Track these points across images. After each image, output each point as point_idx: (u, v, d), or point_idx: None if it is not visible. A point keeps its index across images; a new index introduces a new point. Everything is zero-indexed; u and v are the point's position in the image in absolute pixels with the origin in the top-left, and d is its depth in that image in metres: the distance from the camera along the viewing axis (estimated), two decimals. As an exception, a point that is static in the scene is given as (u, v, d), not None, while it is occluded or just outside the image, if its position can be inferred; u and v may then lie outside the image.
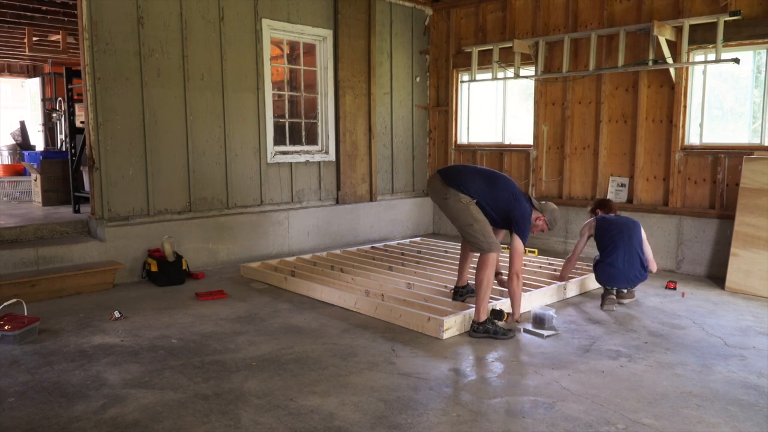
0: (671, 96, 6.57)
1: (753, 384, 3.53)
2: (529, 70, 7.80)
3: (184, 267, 5.99)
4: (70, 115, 7.33)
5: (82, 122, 6.66)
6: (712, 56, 6.21)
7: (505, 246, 4.64)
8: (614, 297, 5.10)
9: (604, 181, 7.18)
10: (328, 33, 7.74)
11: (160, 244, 6.06)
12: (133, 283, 5.98)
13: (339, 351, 4.06)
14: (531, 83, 7.86)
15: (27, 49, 9.79)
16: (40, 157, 8.57)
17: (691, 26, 6.20)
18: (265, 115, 7.18)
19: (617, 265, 5.05)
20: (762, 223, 5.61)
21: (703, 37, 6.21)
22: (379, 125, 8.49)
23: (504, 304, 4.77)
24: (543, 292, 5.22)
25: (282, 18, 7.25)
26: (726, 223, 6.13)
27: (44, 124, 12.36)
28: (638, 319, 4.81)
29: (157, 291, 5.70)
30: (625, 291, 5.22)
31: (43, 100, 12.47)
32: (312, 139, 7.96)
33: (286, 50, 7.82)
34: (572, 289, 5.52)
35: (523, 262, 5.04)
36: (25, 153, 10.27)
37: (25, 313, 4.47)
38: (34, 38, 9.84)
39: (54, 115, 10.63)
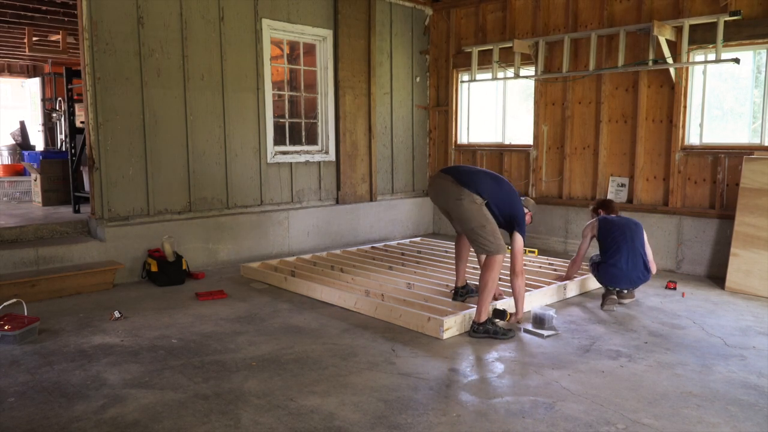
0: (671, 96, 6.57)
1: (753, 384, 3.53)
2: (529, 70, 7.81)
3: (184, 267, 5.99)
4: (70, 115, 7.33)
5: (82, 122, 6.66)
6: (712, 56, 6.21)
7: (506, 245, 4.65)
8: (615, 297, 5.10)
9: (604, 181, 7.18)
10: (328, 33, 7.74)
11: (160, 244, 6.06)
12: (133, 283, 5.98)
13: (339, 351, 4.06)
14: (531, 83, 7.86)
15: (27, 49, 9.80)
16: (40, 157, 8.57)
17: (691, 26, 6.20)
18: (265, 115, 7.18)
19: (620, 266, 5.05)
20: (762, 223, 5.61)
21: (703, 37, 6.21)
22: (379, 125, 8.49)
23: (504, 304, 4.77)
24: (543, 292, 5.22)
25: (282, 18, 7.25)
26: (726, 223, 6.13)
27: (44, 124, 12.36)
28: (638, 319, 4.81)
29: (157, 291, 5.70)
30: (626, 291, 5.22)
31: (43, 100, 12.47)
32: (312, 139, 7.96)
33: (286, 50, 7.82)
34: (572, 289, 5.52)
35: (524, 261, 5.06)
36: (25, 153, 10.27)
37: (25, 313, 4.47)
38: (34, 38, 9.84)
39: (54, 115, 10.63)
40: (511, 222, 4.52)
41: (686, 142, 6.57)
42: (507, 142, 8.32)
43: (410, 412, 3.16)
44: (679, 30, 6.31)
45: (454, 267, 6.15)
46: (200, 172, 6.68)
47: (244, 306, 5.16)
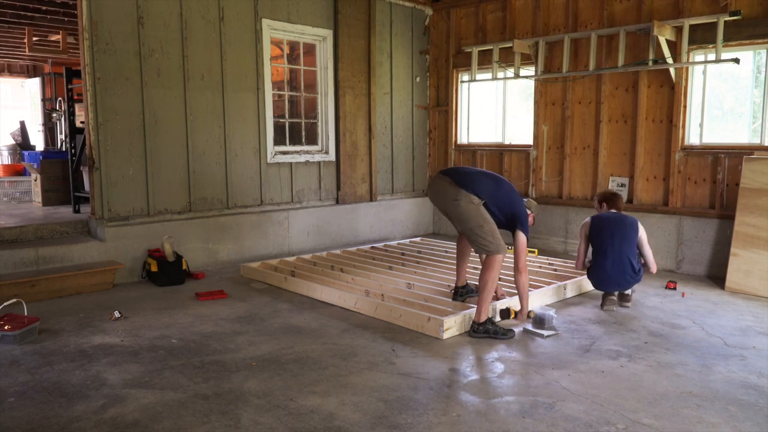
0: (671, 96, 6.57)
1: (753, 384, 3.54)
2: (529, 70, 7.81)
3: (184, 267, 5.99)
4: (70, 115, 7.33)
5: (82, 122, 6.66)
6: (712, 56, 6.21)
7: (508, 245, 4.65)
8: (615, 298, 5.09)
9: (604, 181, 7.18)
10: (328, 33, 7.74)
11: (160, 244, 6.06)
12: (133, 283, 5.98)
13: (339, 351, 4.06)
14: (531, 83, 7.86)
15: (27, 49, 9.79)
16: (40, 157, 8.57)
17: (691, 26, 6.20)
18: (265, 115, 7.18)
19: (606, 270, 5.02)
20: (762, 223, 5.61)
21: (703, 37, 6.21)
22: (379, 125, 8.49)
23: (507, 303, 4.77)
24: (543, 292, 5.21)
25: (282, 18, 7.25)
26: (726, 223, 6.13)
27: (44, 124, 12.37)
28: (638, 319, 4.81)
29: (157, 291, 5.70)
30: (627, 293, 5.18)
31: (43, 100, 12.47)
32: (312, 139, 7.97)
33: (286, 50, 7.82)
34: (572, 289, 5.52)
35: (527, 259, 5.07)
36: (25, 153, 10.27)
37: (25, 313, 4.47)
38: (34, 38, 9.84)
39: (54, 115, 10.63)
40: (513, 221, 4.52)
41: (686, 142, 6.57)
42: (507, 142, 8.32)
43: (410, 412, 3.16)
44: (679, 30, 6.31)
45: (453, 267, 6.16)
46: (200, 172, 6.68)
47: (244, 306, 5.16)
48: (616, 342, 4.26)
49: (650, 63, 6.44)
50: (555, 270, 6.09)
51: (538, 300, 5.13)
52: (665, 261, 6.57)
